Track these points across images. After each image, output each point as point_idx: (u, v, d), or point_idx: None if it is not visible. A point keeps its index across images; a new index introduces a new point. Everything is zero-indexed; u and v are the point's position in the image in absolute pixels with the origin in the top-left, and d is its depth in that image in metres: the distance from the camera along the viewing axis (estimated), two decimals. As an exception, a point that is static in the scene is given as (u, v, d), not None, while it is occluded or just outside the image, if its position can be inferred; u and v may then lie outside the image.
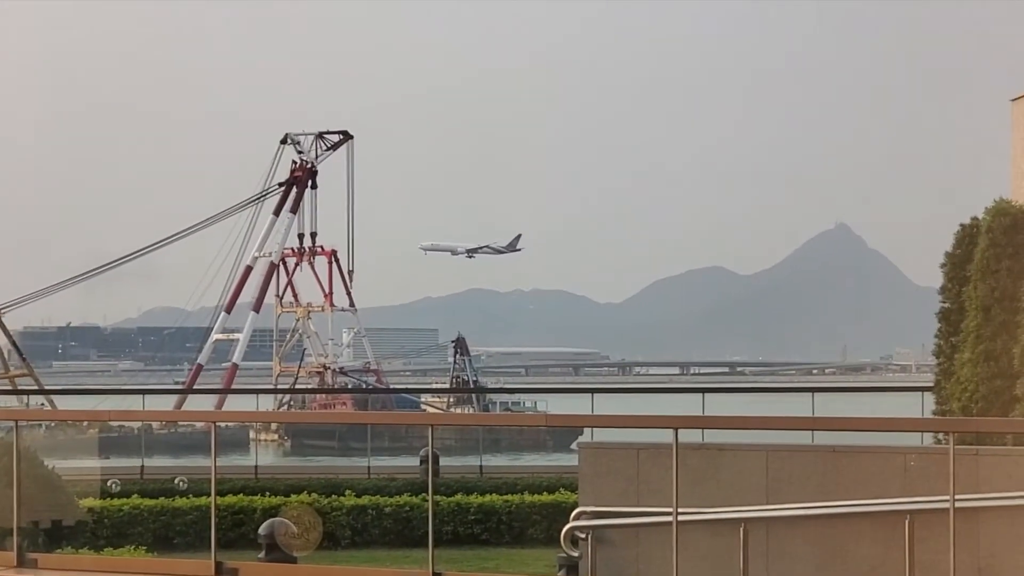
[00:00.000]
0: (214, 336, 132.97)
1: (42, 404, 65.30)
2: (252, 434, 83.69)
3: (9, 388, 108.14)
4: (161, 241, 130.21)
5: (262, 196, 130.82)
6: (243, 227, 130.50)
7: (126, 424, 59.31)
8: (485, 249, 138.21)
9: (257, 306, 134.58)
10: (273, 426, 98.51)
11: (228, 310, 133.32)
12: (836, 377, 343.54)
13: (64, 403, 62.55)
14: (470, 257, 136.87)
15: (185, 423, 77.00)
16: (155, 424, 69.79)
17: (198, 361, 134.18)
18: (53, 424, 49.38)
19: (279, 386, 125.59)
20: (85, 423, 52.39)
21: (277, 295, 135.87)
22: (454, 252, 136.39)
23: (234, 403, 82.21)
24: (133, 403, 49.41)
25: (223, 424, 56.95)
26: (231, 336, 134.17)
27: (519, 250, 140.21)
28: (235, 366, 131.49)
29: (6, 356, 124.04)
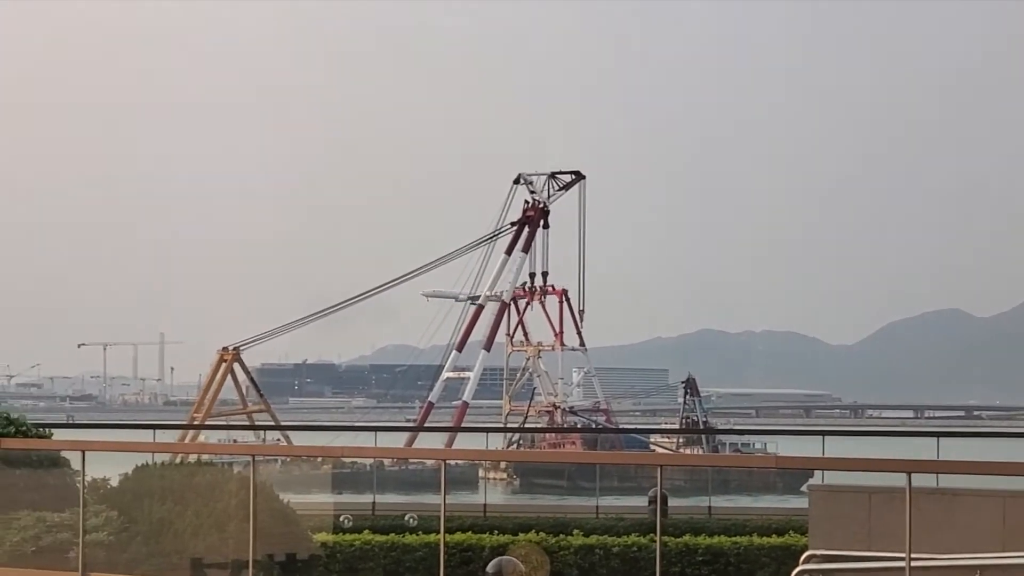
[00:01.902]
0: (445, 374, 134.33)
1: (278, 439, 66.53)
2: (481, 472, 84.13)
3: (247, 423, 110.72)
4: (395, 280, 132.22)
5: (495, 235, 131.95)
6: (475, 266, 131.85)
7: (359, 460, 60.15)
8: (491, 297, 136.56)
9: (488, 344, 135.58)
10: (502, 464, 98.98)
11: (459, 348, 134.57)
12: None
13: (299, 439, 63.66)
14: (474, 304, 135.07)
15: (416, 460, 77.81)
16: (387, 461, 70.69)
17: (429, 399, 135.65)
18: (288, 459, 50.20)
19: (509, 424, 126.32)
20: (319, 459, 53.23)
21: (508, 334, 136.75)
22: (456, 299, 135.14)
23: (464, 441, 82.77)
24: (366, 440, 50.04)
25: (453, 462, 57.46)
26: (462, 374, 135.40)
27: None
28: (465, 404, 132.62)
29: (244, 392, 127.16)
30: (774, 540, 37.04)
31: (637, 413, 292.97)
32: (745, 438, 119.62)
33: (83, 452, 23.41)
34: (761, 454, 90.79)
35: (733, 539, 37.53)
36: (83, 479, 23.39)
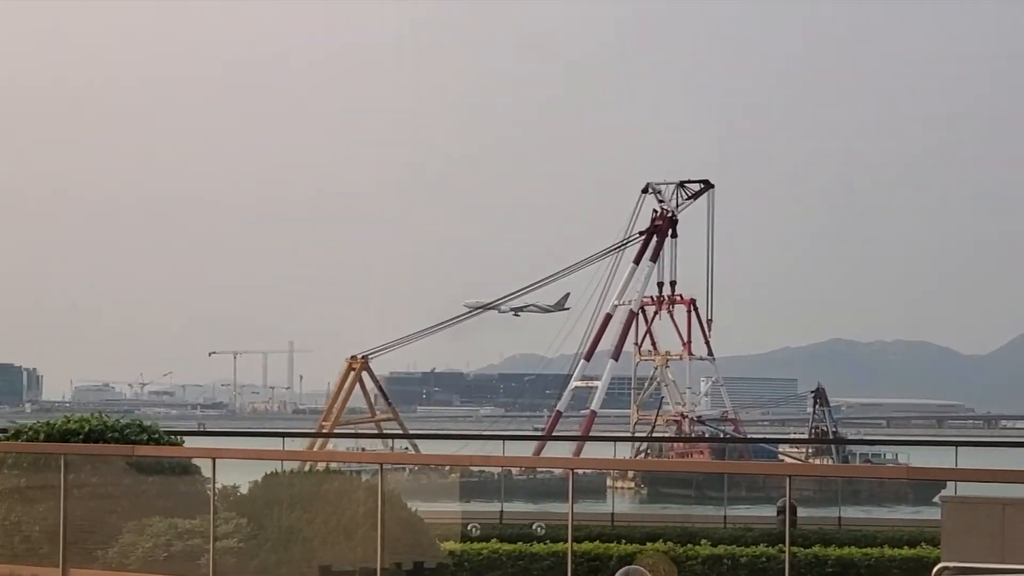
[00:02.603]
0: (573, 383, 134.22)
1: (406, 448, 66.89)
2: (609, 481, 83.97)
3: (375, 431, 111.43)
4: (523, 289, 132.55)
5: (623, 245, 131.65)
6: (603, 275, 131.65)
7: (487, 469, 60.30)
8: (532, 308, 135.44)
9: (616, 354, 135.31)
10: (630, 473, 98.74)
11: (587, 358, 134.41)
12: None
13: (427, 447, 63.93)
14: (516, 315, 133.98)
15: (544, 469, 77.87)
16: (515, 470, 70.84)
17: (557, 408, 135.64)
18: (417, 468, 50.43)
19: (636, 434, 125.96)
20: (447, 467, 53.45)
21: (636, 343, 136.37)
22: (499, 310, 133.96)
23: (592, 450, 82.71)
24: (494, 449, 50.16)
25: (581, 471, 57.33)
26: (590, 383, 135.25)
27: (567, 308, 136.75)
28: (593, 413, 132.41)
29: (373, 400, 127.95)
30: (906, 552, 36.59)
31: (765, 423, 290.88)
32: (876, 449, 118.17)
33: (214, 459, 23.71)
34: (892, 465, 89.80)
35: (864, 550, 37.13)
36: (214, 486, 23.67)
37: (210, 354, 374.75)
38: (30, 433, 26.30)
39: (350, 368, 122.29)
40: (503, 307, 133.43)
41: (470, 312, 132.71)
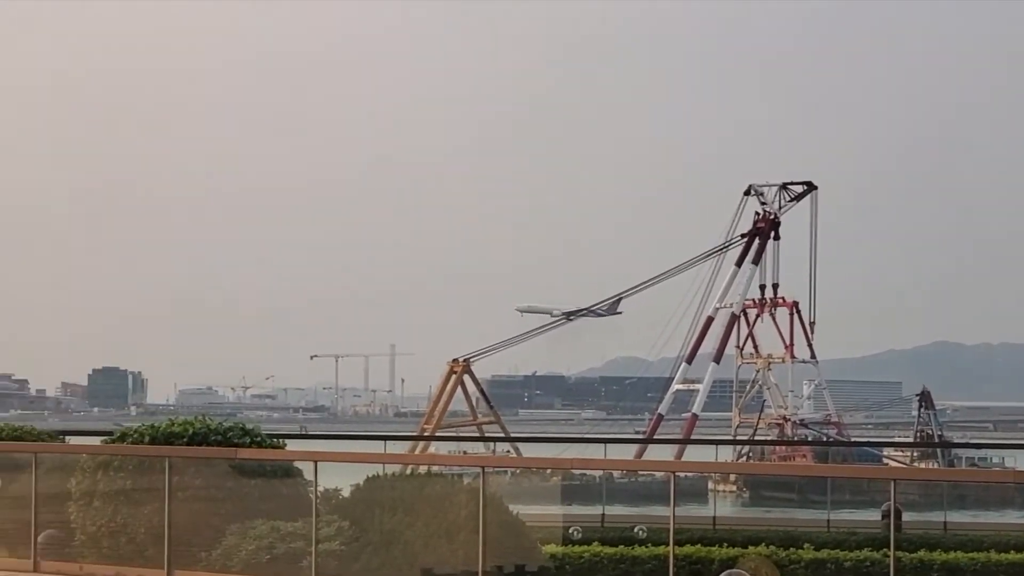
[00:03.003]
0: (675, 386, 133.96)
1: (508, 451, 67.10)
2: (711, 484, 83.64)
3: (477, 434, 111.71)
4: (624, 292, 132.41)
5: (725, 247, 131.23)
6: (705, 278, 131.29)
7: (588, 472, 60.21)
8: (584, 312, 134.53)
9: (718, 357, 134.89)
10: (732, 477, 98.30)
11: (689, 361, 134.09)
12: None
13: (529, 450, 64.01)
14: (570, 320, 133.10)
15: (645, 472, 77.58)
16: (616, 473, 70.62)
17: (659, 411, 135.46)
18: (518, 471, 50.51)
19: (738, 437, 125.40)
20: (549, 470, 53.45)
21: (738, 346, 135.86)
22: (551, 314, 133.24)
23: (693, 453, 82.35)
24: (595, 452, 50.11)
25: (682, 474, 57.14)
26: (691, 386, 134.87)
27: (619, 313, 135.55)
28: (695, 416, 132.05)
29: (475, 403, 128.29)
30: (1013, 556, 36.18)
31: (869, 426, 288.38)
32: (982, 452, 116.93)
33: (315, 463, 23.85)
34: (999, 469, 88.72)
35: (970, 555, 36.73)
36: (315, 489, 23.81)
37: (312, 357, 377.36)
38: (135, 436, 26.57)
39: (452, 371, 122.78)
40: (555, 311, 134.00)
41: (522, 314, 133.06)
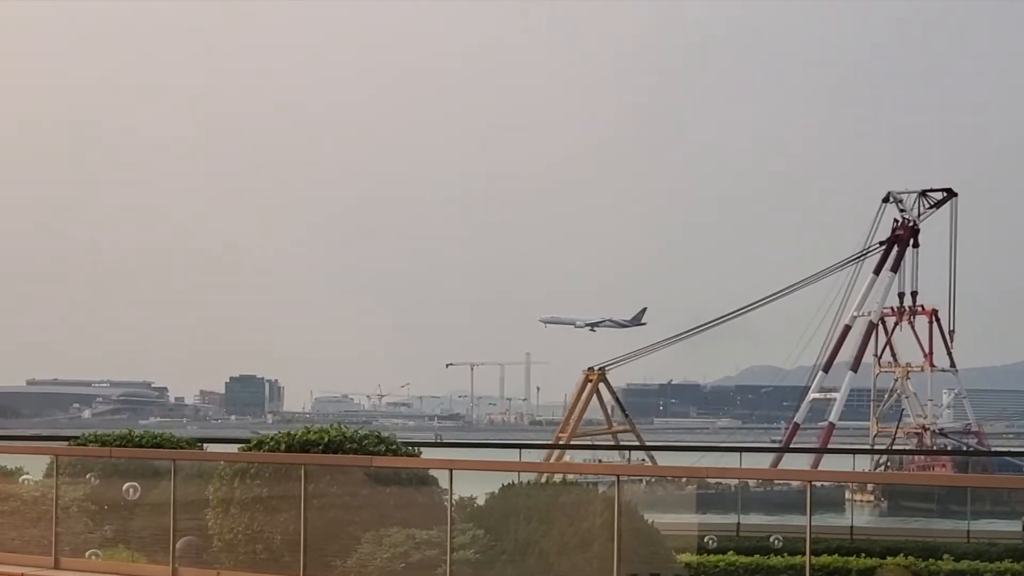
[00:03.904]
0: (811, 395, 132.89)
1: (643, 460, 66.78)
2: (848, 494, 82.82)
3: (612, 443, 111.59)
4: (760, 300, 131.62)
5: (863, 255, 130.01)
6: (842, 286, 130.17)
7: (723, 481, 59.82)
8: (607, 323, 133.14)
9: (855, 365, 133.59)
10: (869, 486, 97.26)
11: (826, 369, 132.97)
12: None
13: (664, 459, 63.73)
14: (592, 331, 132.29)
15: (781, 481, 76.99)
16: (751, 482, 70.19)
17: (795, 420, 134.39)
18: (653, 479, 50.37)
19: (876, 446, 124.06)
20: (684, 479, 53.20)
21: (875, 355, 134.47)
22: (575, 325, 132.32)
23: (830, 462, 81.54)
24: (730, 461, 49.80)
25: (818, 483, 56.63)
26: (828, 395, 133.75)
27: (644, 324, 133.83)
28: (831, 425, 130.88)
29: (610, 412, 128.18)
30: None
31: (1010, 436, 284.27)
32: None
33: (451, 471, 23.92)
34: None
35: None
36: (451, 497, 23.88)
37: (447, 366, 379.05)
38: (271, 443, 26.85)
39: (587, 380, 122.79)
40: (579, 322, 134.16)
41: (546, 325, 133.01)
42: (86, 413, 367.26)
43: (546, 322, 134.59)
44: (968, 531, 44.34)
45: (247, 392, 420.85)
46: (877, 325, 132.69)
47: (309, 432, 26.71)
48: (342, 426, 27.41)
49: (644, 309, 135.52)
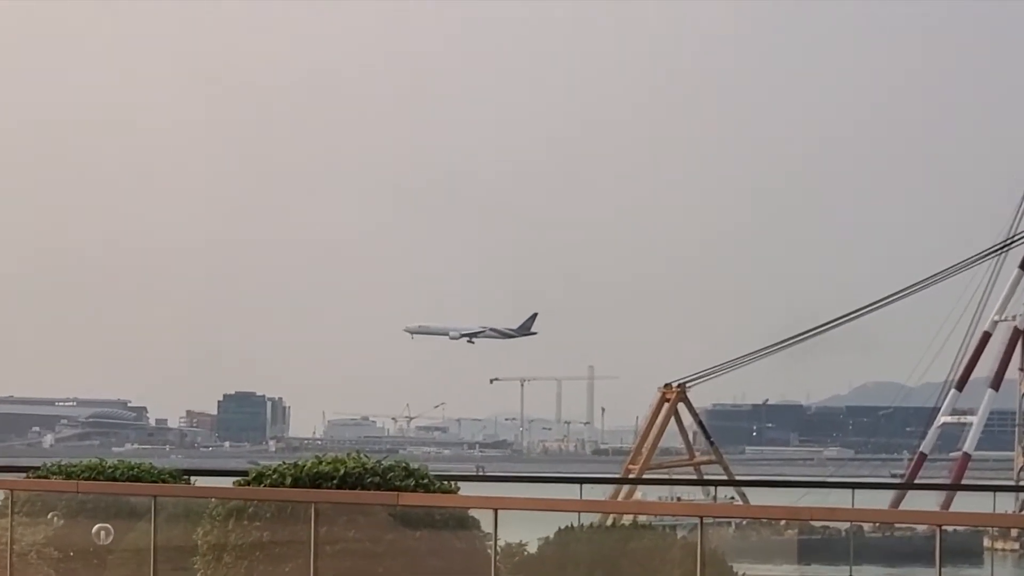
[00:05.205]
0: (941, 418, 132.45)
1: (732, 498, 66.69)
2: (987, 541, 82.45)
3: (694, 477, 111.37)
4: (878, 302, 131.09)
5: (1006, 245, 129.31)
6: (979, 284, 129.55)
7: (831, 524, 59.69)
8: (488, 332, 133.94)
9: (996, 382, 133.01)
10: (1014, 532, 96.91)
11: (959, 387, 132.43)
12: None
13: (758, 497, 63.51)
14: (471, 342, 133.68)
15: (903, 525, 76.86)
16: (866, 525, 70.06)
17: (920, 449, 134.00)
18: (744, 522, 50.36)
19: (1021, 482, 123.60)
20: (782, 522, 53.15)
21: (1021, 368, 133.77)
22: (449, 336, 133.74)
23: (965, 502, 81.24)
24: (840, 499, 49.59)
25: (950, 528, 56.49)
26: (962, 419, 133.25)
27: (534, 334, 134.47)
28: (966, 456, 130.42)
29: (691, 439, 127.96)
30: None
31: None
32: None
33: (495, 511, 23.94)
34: None
35: None
36: (495, 543, 23.91)
37: (491, 381, 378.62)
38: (274, 477, 26.91)
39: (664, 399, 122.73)
40: (452, 333, 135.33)
41: (412, 336, 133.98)
42: (48, 438, 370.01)
43: (412, 332, 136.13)
44: None
45: (244, 413, 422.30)
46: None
47: (321, 463, 26.77)
48: (361, 455, 27.46)
49: (534, 315, 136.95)
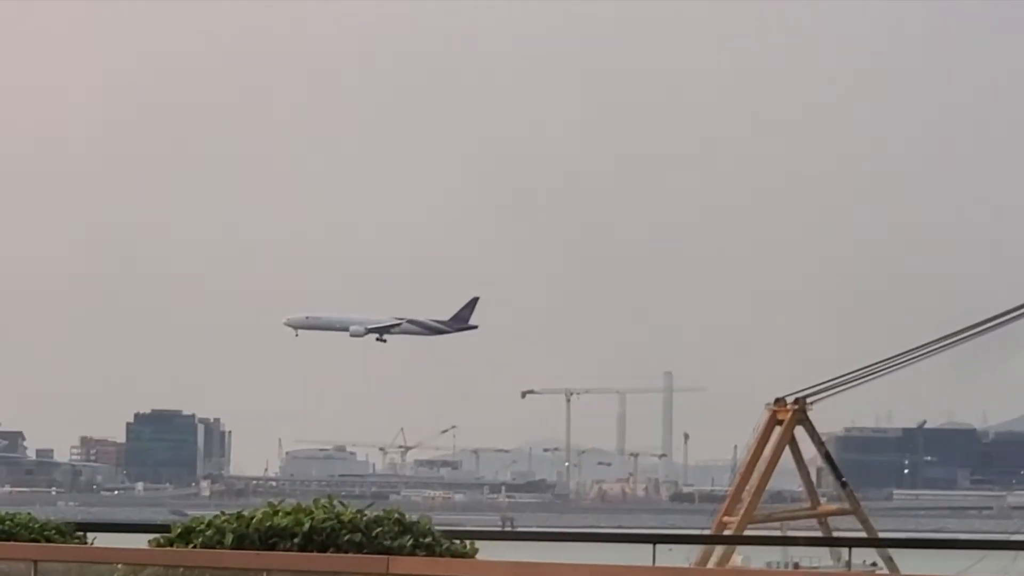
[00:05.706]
0: None
1: (873, 564, 67.00)
2: None
3: (819, 534, 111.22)
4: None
5: None
6: None
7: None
8: (405, 325, 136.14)
9: None
10: None
11: None
12: None
13: (909, 562, 63.93)
14: (381, 340, 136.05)
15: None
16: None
17: None
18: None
19: None
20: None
21: None
22: (349, 332, 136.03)
23: None
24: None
25: None
26: None
27: (474, 327, 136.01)
28: None
29: (814, 478, 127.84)
30: None
31: None
32: None
33: (521, 582, 24.14)
34: None
35: None
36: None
37: (524, 395, 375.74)
38: (209, 533, 27.06)
39: (775, 420, 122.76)
40: (353, 328, 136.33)
41: (296, 332, 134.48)
42: None
43: (294, 326, 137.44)
44: None
45: (165, 441, 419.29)
46: None
47: (276, 513, 26.90)
48: (335, 502, 27.59)
49: (475, 300, 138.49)
